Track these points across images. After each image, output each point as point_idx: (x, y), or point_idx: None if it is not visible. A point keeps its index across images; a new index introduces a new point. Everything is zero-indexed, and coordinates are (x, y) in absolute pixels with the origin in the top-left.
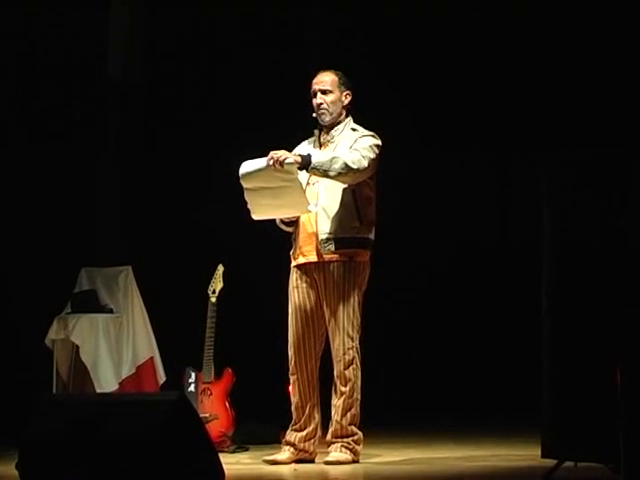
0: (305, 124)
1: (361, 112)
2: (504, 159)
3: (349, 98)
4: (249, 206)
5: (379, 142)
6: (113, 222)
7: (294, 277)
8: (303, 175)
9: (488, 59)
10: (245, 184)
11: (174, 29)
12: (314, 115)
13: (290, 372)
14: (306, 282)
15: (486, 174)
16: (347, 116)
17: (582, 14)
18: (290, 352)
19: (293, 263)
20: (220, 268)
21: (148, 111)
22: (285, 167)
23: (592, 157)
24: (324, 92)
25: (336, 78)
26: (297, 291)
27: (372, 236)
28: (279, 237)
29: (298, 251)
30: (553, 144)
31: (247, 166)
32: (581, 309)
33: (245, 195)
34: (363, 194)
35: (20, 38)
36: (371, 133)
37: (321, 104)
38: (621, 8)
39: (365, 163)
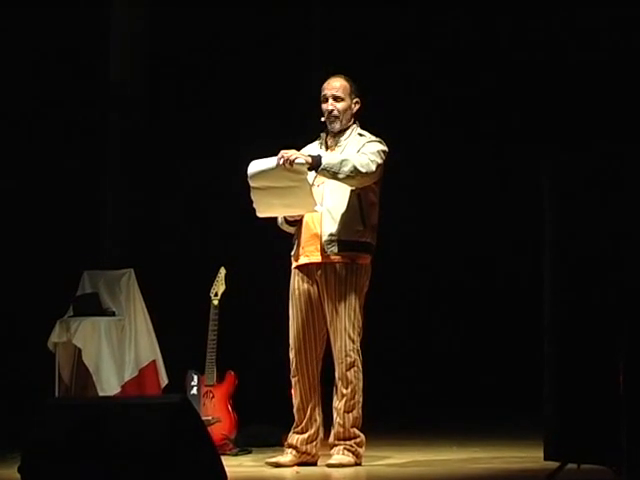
0: (307, 121)
1: (364, 111)
2: (506, 161)
3: (358, 106)
4: (255, 205)
5: (385, 148)
6: (115, 225)
7: (295, 279)
8: (309, 177)
9: (490, 53)
10: (253, 183)
11: (176, 26)
12: (323, 119)
13: (291, 374)
14: (307, 284)
15: (486, 177)
16: (355, 122)
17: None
18: (291, 354)
19: (294, 264)
20: (222, 271)
21: (151, 113)
22: (295, 167)
23: (594, 157)
24: (335, 98)
25: (347, 85)
26: (298, 293)
27: (374, 241)
28: (281, 240)
29: (300, 251)
30: (555, 141)
31: (256, 165)
32: (583, 310)
33: (252, 194)
34: (368, 199)
35: (22, 37)
36: (378, 139)
37: (332, 111)
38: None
39: (373, 167)
